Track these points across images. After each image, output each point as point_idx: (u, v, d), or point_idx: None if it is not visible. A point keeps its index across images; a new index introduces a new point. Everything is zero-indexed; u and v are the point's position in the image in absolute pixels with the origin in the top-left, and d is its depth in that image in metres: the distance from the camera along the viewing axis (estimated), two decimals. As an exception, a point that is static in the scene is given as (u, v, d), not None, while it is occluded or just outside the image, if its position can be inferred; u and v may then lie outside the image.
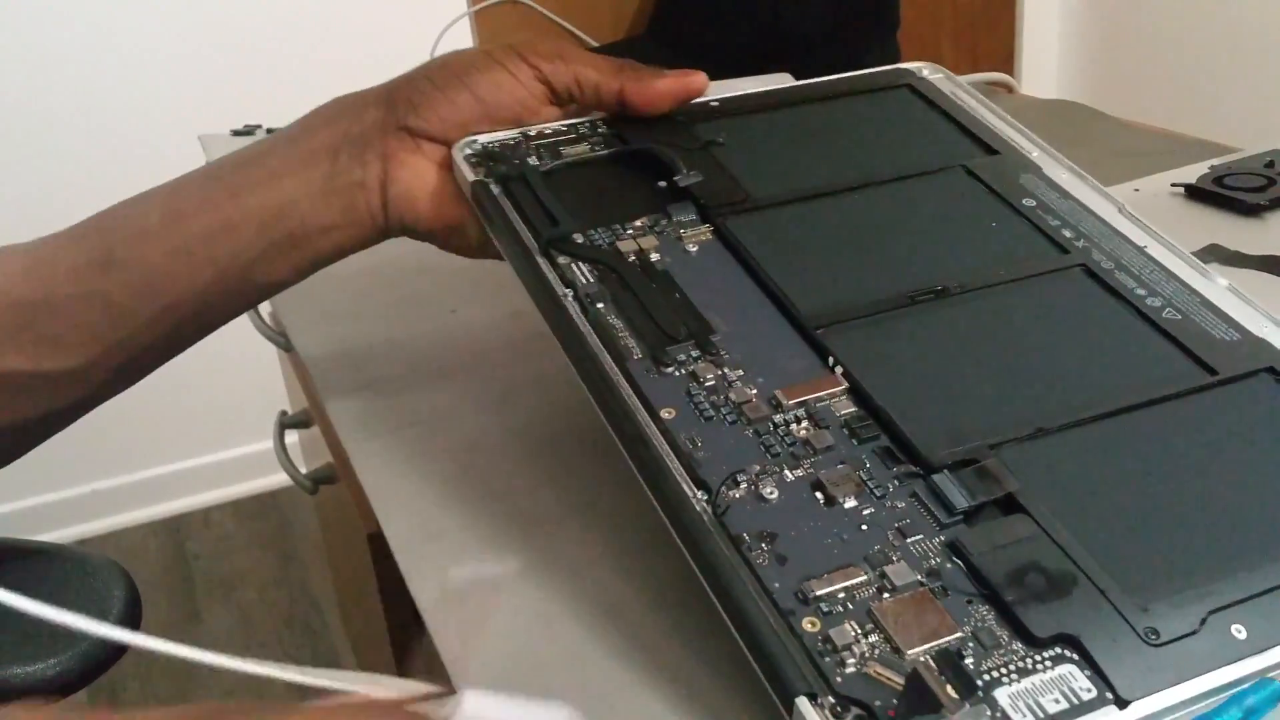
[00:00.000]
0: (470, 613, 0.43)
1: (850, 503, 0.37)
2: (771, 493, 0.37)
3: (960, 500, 0.37)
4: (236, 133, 0.92)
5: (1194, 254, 0.47)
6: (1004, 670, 0.32)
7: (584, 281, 0.44)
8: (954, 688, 0.32)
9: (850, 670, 0.32)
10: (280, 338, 0.76)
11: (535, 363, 0.58)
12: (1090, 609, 0.34)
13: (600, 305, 0.44)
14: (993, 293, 0.45)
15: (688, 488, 0.37)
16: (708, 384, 0.41)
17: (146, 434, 1.50)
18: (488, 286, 0.66)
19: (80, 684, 0.56)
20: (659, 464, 0.38)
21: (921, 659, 0.33)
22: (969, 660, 0.33)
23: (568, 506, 0.48)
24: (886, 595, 0.34)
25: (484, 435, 0.53)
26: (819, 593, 0.34)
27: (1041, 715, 0.31)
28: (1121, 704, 0.32)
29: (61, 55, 1.18)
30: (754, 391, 0.41)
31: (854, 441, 0.39)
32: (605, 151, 0.51)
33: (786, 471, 0.38)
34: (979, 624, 0.34)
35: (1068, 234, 0.48)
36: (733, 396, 0.41)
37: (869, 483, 0.38)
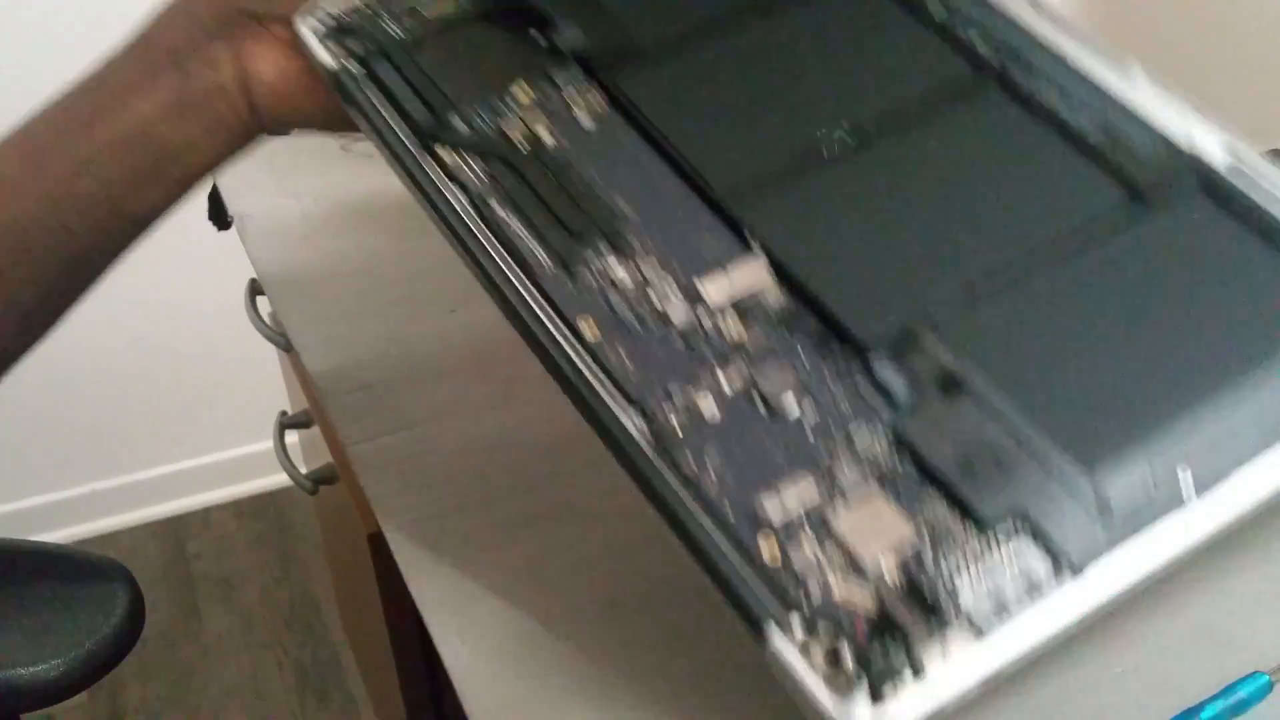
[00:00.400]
0: (470, 613, 0.43)
1: (791, 406, 0.35)
2: (708, 405, 0.35)
3: (901, 391, 0.35)
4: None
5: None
6: (961, 561, 0.32)
7: (475, 181, 0.40)
8: (917, 605, 0.31)
9: (815, 591, 0.31)
10: (280, 338, 0.76)
11: (535, 362, 0.58)
12: (1039, 480, 0.33)
13: (496, 206, 0.39)
14: (908, 133, 0.41)
15: (621, 411, 0.35)
16: (626, 289, 0.38)
17: (146, 434, 1.50)
18: (487, 287, 0.66)
19: (83, 685, 0.56)
20: (588, 386, 0.35)
21: (883, 569, 0.32)
22: (927, 558, 0.32)
23: (568, 506, 0.48)
24: (840, 501, 0.33)
25: (484, 435, 0.53)
26: (770, 510, 0.33)
27: (1001, 600, 0.31)
28: (1078, 571, 0.31)
29: (60, 54, 1.18)
30: (676, 291, 0.38)
31: (785, 332, 0.37)
32: (472, 6, 0.45)
33: (722, 381, 0.36)
34: (932, 517, 0.33)
35: (982, 48, 0.43)
36: (654, 300, 0.37)
37: (808, 380, 0.36)
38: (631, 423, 0.35)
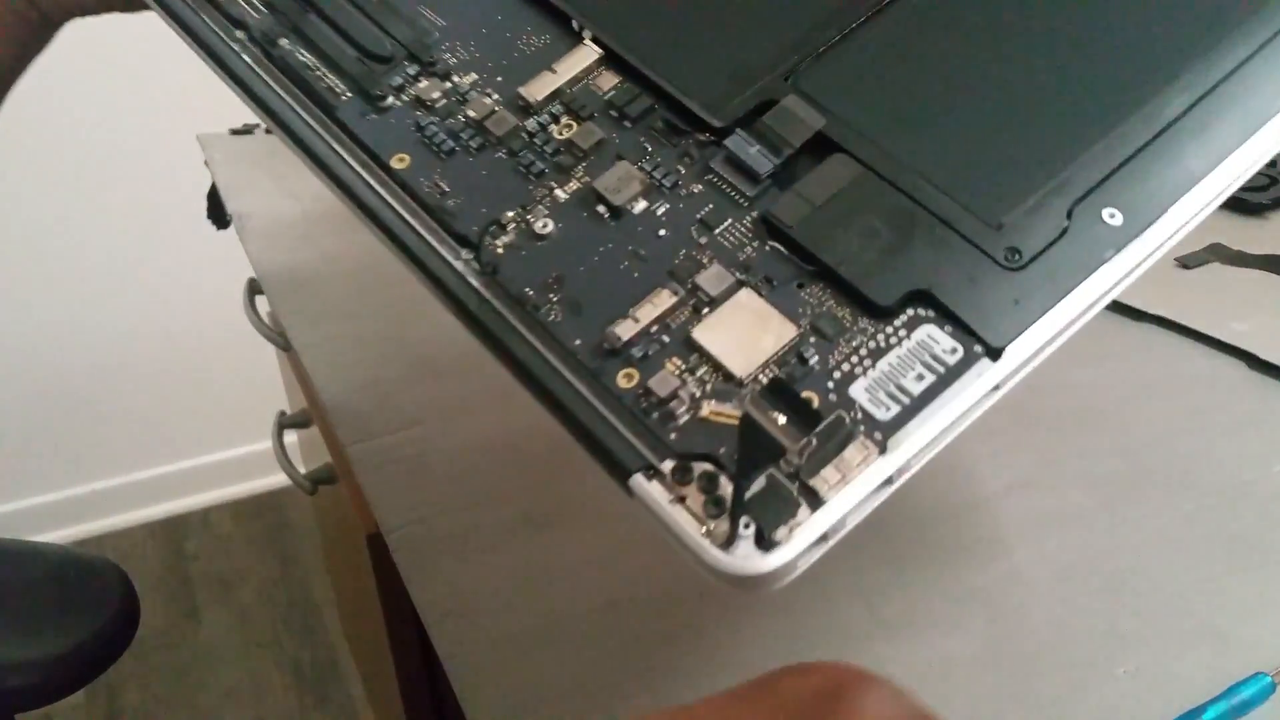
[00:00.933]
0: (469, 613, 0.43)
1: (639, 206, 0.31)
2: (545, 225, 0.31)
3: (762, 162, 0.30)
4: (235, 132, 0.92)
5: (1196, 253, 0.47)
6: (856, 358, 0.27)
7: (255, 17, 0.36)
8: (793, 416, 0.26)
9: (684, 420, 0.27)
10: (279, 337, 0.76)
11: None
12: (938, 249, 0.28)
13: (283, 43, 0.36)
14: None
15: (447, 250, 0.31)
16: (437, 106, 0.34)
17: (145, 434, 1.49)
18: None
19: (77, 684, 0.56)
20: (406, 226, 0.32)
21: (762, 378, 0.27)
22: (813, 359, 0.27)
23: (568, 506, 0.48)
24: (706, 311, 0.28)
25: (484, 435, 0.53)
26: (626, 336, 0.28)
27: (906, 399, 0.26)
28: (994, 354, 0.27)
29: (60, 55, 1.18)
30: (495, 98, 0.33)
31: (626, 124, 0.32)
32: None
33: (557, 191, 0.31)
34: (816, 311, 0.28)
35: None
36: (470, 113, 0.33)
37: (655, 173, 0.31)
38: (460, 260, 0.31)
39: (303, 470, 0.80)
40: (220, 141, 0.89)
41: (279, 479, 1.58)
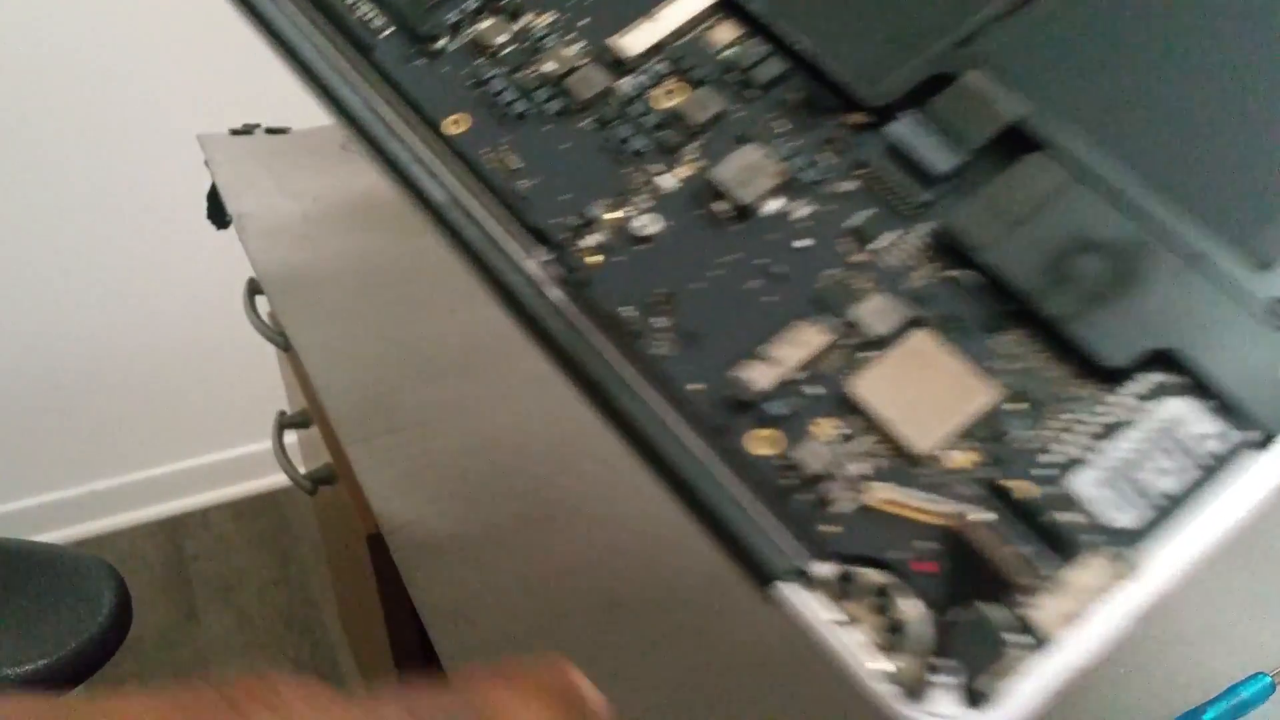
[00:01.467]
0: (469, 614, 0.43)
1: (772, 205, 0.24)
2: (647, 224, 0.24)
3: (939, 157, 0.23)
4: (235, 132, 0.92)
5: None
6: (1078, 438, 0.20)
7: None
8: (1020, 522, 0.19)
9: (842, 508, 0.20)
10: (279, 337, 0.76)
11: (535, 362, 0.58)
12: (1181, 294, 0.21)
13: None
14: None
15: (520, 247, 0.24)
16: (504, 54, 0.26)
17: (145, 434, 1.49)
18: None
19: (70, 684, 0.56)
20: (463, 216, 0.25)
21: (952, 465, 0.20)
22: (1017, 434, 0.20)
23: (568, 506, 0.48)
24: (867, 357, 0.21)
25: (484, 435, 0.53)
26: (763, 384, 0.21)
27: (1158, 500, 0.19)
28: (1267, 440, 0.20)
29: (59, 55, 1.18)
30: (578, 48, 0.26)
31: (750, 95, 0.25)
32: None
33: (662, 178, 0.24)
34: (1018, 366, 0.21)
35: None
36: (548, 66, 0.26)
37: (793, 164, 0.24)
38: (533, 261, 0.24)
39: (303, 470, 0.80)
40: (220, 142, 0.89)
41: (279, 479, 1.58)
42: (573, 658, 0.41)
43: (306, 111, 0.92)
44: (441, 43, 0.27)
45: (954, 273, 0.22)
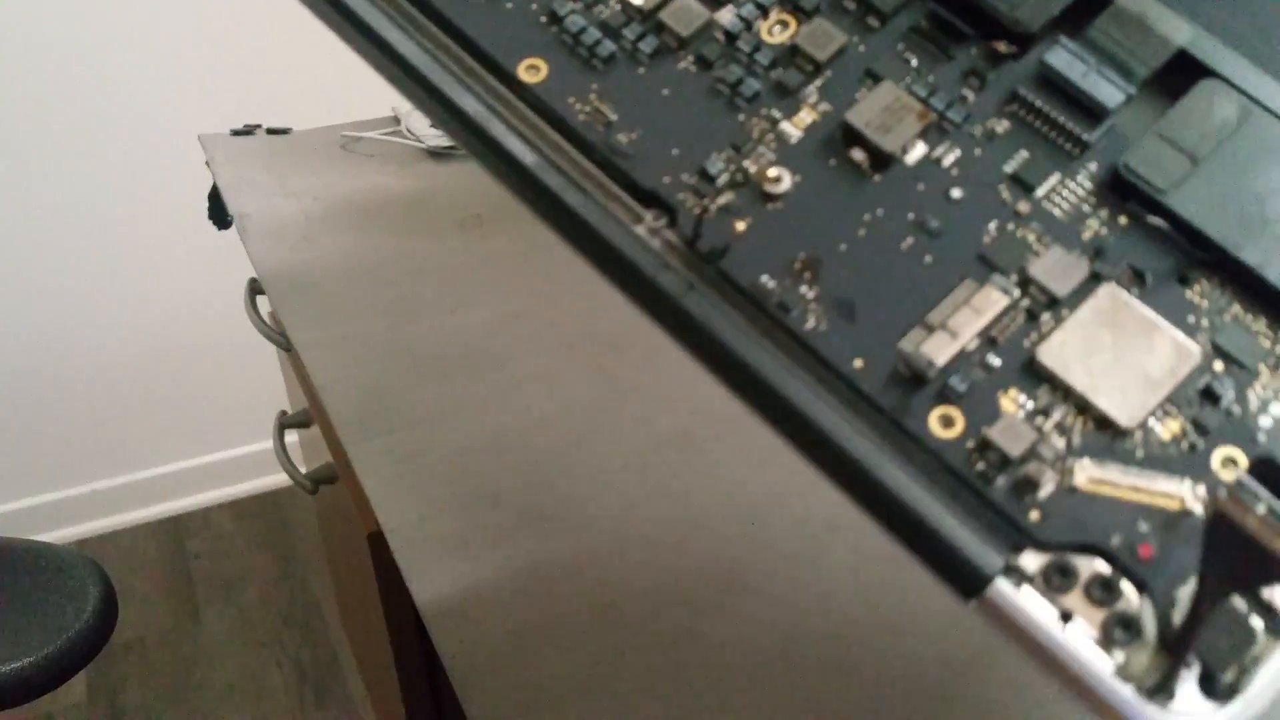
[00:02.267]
0: (469, 613, 0.43)
1: (917, 152, 0.21)
2: (777, 180, 0.21)
3: (1107, 89, 0.20)
4: (236, 132, 0.92)
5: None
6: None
7: None
8: (1248, 493, 0.17)
9: (1048, 493, 0.18)
10: (280, 337, 0.76)
11: (535, 363, 0.58)
12: None
13: None
14: None
15: (624, 212, 0.21)
16: None
17: (146, 434, 1.49)
18: (488, 286, 0.65)
19: (57, 682, 0.56)
20: (564, 180, 0.21)
21: (1161, 435, 0.18)
22: (1227, 396, 0.18)
23: (567, 506, 0.48)
24: (1049, 320, 0.19)
25: (484, 435, 0.53)
26: (942, 358, 0.18)
27: None
28: None
29: (60, 55, 1.18)
30: None
31: (873, 23, 0.22)
32: None
33: (784, 124, 0.21)
34: (1216, 322, 0.19)
35: None
36: (645, 6, 0.22)
37: (934, 102, 0.21)
38: (646, 232, 0.20)
39: (304, 470, 0.80)
40: (221, 142, 0.89)
41: (280, 479, 1.58)
42: (572, 658, 0.41)
43: (307, 112, 0.92)
44: None
45: (1135, 219, 0.20)
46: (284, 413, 0.85)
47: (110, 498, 1.52)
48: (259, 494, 1.59)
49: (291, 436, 0.84)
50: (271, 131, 0.89)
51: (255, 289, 0.79)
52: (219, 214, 0.82)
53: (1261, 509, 0.16)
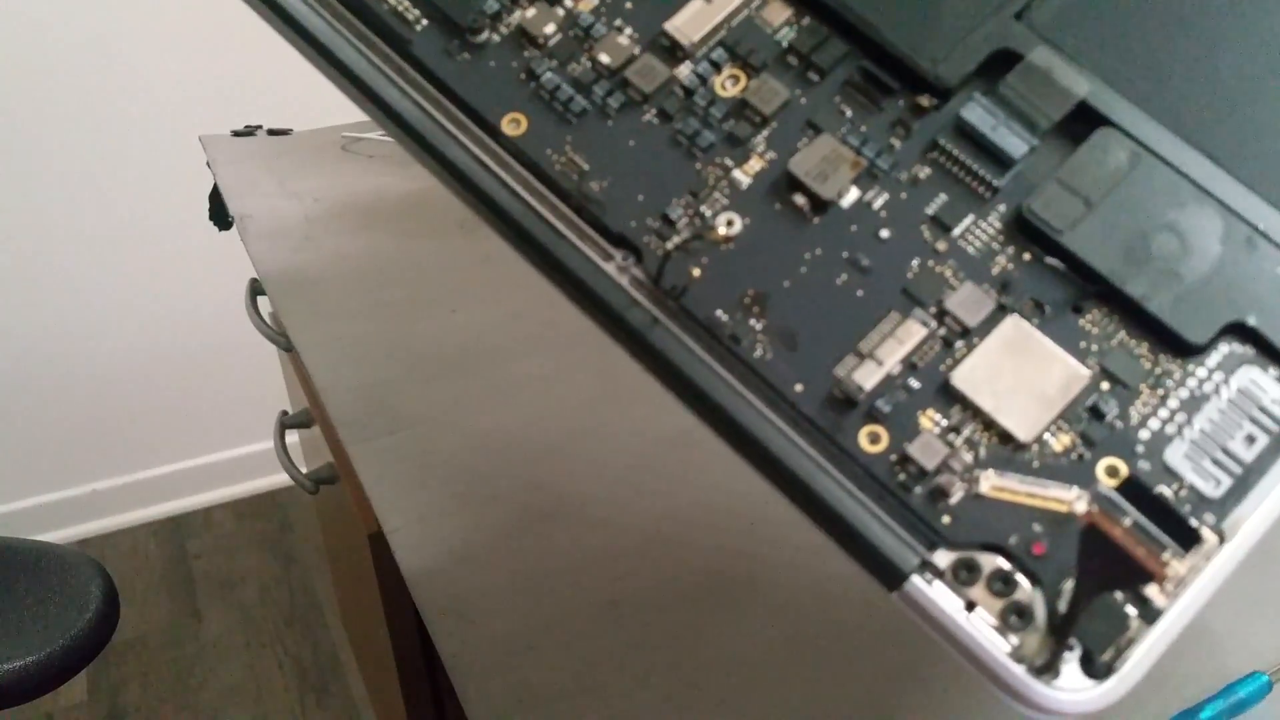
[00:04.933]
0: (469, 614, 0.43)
1: (850, 196, 0.23)
2: (728, 222, 0.23)
3: (1013, 140, 0.23)
4: (237, 133, 0.92)
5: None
6: (1166, 413, 0.21)
7: None
8: (1128, 498, 0.20)
9: (958, 499, 0.21)
10: (281, 338, 0.76)
11: (535, 363, 0.58)
12: (1256, 265, 0.21)
13: None
14: None
15: (594, 253, 0.23)
16: (551, 44, 0.25)
17: (147, 434, 1.49)
18: (488, 286, 0.66)
19: (58, 681, 0.56)
20: (538, 223, 0.23)
21: (1051, 439, 0.21)
22: (1112, 413, 0.21)
23: (568, 506, 0.48)
24: (962, 347, 0.22)
25: (484, 435, 0.53)
26: (870, 383, 0.22)
27: (1237, 469, 0.20)
28: None
29: (61, 56, 1.18)
30: (630, 35, 0.25)
31: (813, 78, 0.24)
32: None
33: (735, 172, 0.24)
34: (1104, 346, 0.21)
35: None
36: (603, 57, 0.25)
37: (865, 151, 0.24)
38: (614, 265, 0.23)
39: (304, 470, 0.80)
40: (222, 143, 0.89)
41: (281, 479, 1.58)
42: (572, 658, 0.41)
43: (308, 113, 0.92)
44: (484, 35, 0.25)
45: (1036, 256, 0.22)
46: (285, 413, 0.85)
47: (111, 498, 1.52)
48: (260, 494, 1.59)
49: (292, 437, 0.84)
50: (272, 132, 0.89)
51: (256, 289, 0.79)
52: (220, 215, 0.82)
53: (1128, 522, 0.20)
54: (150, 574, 1.47)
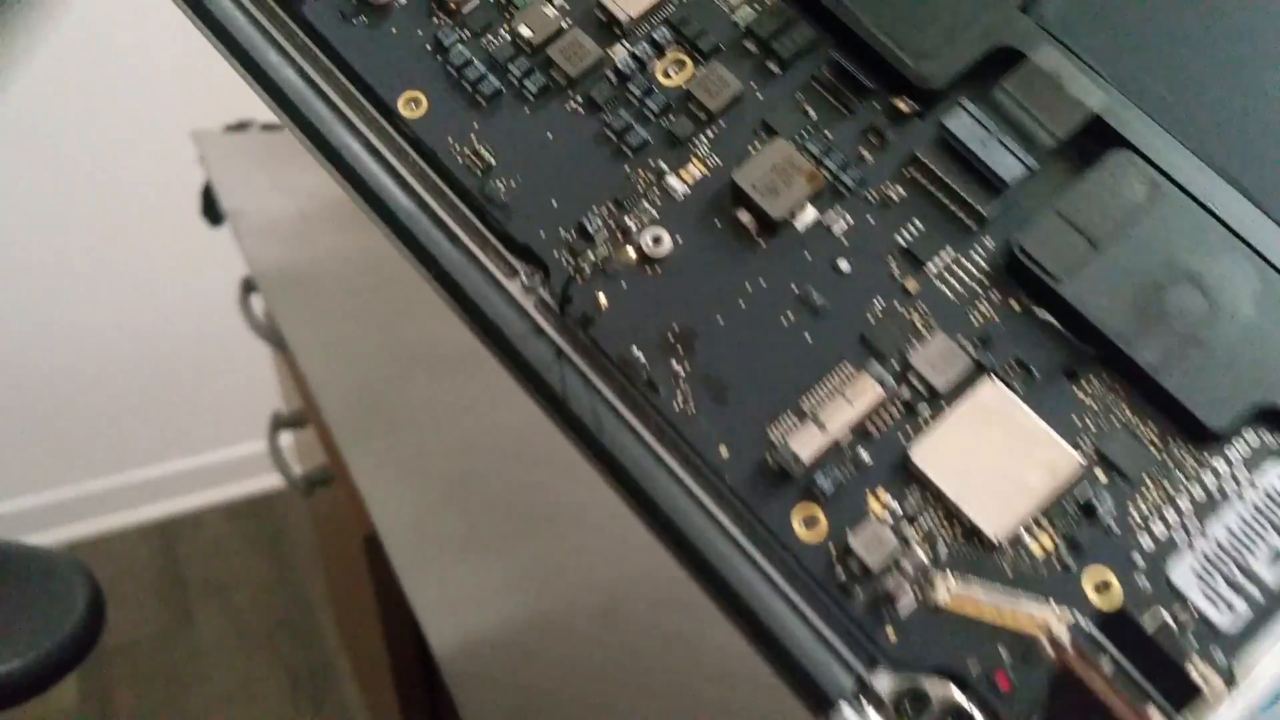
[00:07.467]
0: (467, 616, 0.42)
1: (806, 218, 0.19)
2: (657, 240, 0.19)
3: (1007, 161, 0.19)
4: (229, 128, 0.91)
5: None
6: (1175, 515, 0.17)
7: None
8: (1118, 631, 0.16)
9: (906, 610, 0.17)
10: (274, 336, 0.75)
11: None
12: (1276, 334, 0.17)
13: None
14: None
15: (498, 271, 0.20)
16: (466, 11, 0.21)
17: (138, 435, 1.49)
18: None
19: (42, 687, 0.55)
20: (437, 229, 0.21)
21: (1031, 541, 0.17)
22: (1106, 511, 0.17)
23: (568, 506, 0.48)
24: (928, 413, 0.18)
25: (483, 435, 0.52)
26: (808, 454, 0.18)
27: (1258, 594, 0.16)
28: None
29: (55, 53, 1.17)
30: (560, 4, 0.21)
31: (773, 69, 0.20)
32: None
33: (670, 178, 0.20)
34: (1104, 425, 0.17)
35: None
36: (524, 30, 0.21)
37: (828, 162, 0.20)
38: (517, 282, 0.20)
39: (298, 471, 0.79)
40: (214, 138, 0.89)
41: (274, 480, 1.57)
42: (569, 661, 0.40)
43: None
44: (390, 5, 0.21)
45: (1026, 306, 0.18)
46: (278, 413, 0.84)
47: (102, 500, 1.51)
48: (252, 496, 1.58)
49: (286, 437, 0.83)
50: (266, 127, 0.89)
51: (249, 287, 0.79)
52: (212, 211, 0.81)
53: (1107, 667, 0.16)
54: (141, 577, 1.46)
